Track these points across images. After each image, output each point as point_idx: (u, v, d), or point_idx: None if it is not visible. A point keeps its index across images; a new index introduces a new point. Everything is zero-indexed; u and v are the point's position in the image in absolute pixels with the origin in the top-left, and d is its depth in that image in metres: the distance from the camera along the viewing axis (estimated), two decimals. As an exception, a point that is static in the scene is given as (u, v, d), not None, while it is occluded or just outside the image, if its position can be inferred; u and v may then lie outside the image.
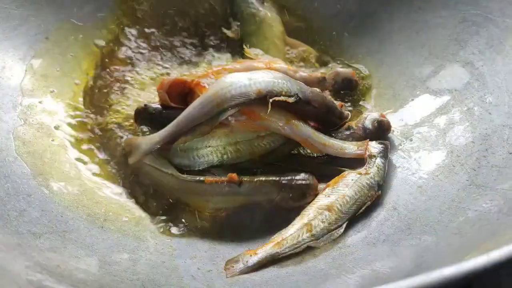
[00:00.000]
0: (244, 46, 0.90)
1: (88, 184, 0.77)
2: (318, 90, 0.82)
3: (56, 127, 0.82)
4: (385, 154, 0.78)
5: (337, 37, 0.98)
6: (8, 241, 0.64)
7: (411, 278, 0.48)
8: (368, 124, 0.82)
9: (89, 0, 0.93)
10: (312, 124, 0.81)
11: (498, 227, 0.63)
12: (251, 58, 0.90)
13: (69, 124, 0.83)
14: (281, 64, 0.88)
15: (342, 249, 0.69)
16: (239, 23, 0.97)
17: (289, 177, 0.76)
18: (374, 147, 0.79)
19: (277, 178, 0.75)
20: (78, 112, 0.85)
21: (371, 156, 0.78)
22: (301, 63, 0.95)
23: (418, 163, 0.78)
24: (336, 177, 0.76)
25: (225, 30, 0.97)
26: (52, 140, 0.80)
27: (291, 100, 0.76)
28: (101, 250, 0.68)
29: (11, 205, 0.68)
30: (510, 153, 0.73)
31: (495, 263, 0.50)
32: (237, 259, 0.70)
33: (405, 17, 0.95)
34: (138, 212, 0.76)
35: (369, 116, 0.83)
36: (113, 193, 0.77)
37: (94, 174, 0.79)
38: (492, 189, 0.70)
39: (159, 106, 0.82)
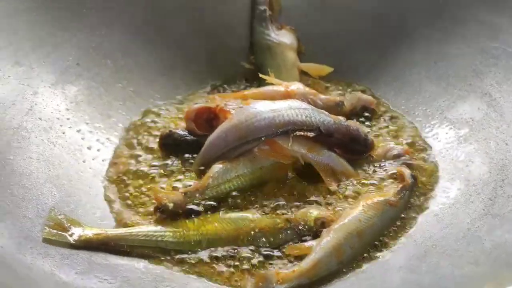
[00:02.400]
0: (261, 75, 0.92)
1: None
2: (341, 118, 0.83)
3: (88, 148, 0.85)
4: (413, 187, 0.78)
5: (356, 64, 1.00)
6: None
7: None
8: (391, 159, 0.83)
9: (116, 26, 0.96)
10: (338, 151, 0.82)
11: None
12: (269, 84, 0.91)
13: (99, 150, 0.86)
14: (300, 86, 0.90)
15: (359, 275, 0.70)
16: (254, 55, 1.01)
17: None
18: (408, 178, 0.78)
19: None
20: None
21: (405, 188, 0.77)
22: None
23: (435, 191, 0.79)
24: (366, 198, 0.75)
25: (242, 63, 1.00)
26: (83, 162, 0.83)
27: (311, 134, 0.79)
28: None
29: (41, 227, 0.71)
30: (527, 184, 0.74)
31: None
32: (265, 278, 0.68)
33: (424, 47, 0.97)
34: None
35: (393, 150, 0.84)
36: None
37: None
38: (508, 219, 0.70)
39: (184, 132, 0.85)
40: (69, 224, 0.71)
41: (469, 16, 0.95)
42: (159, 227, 0.73)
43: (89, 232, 0.71)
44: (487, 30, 0.93)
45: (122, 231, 0.73)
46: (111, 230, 0.73)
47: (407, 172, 0.79)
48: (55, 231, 0.70)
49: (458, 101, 0.90)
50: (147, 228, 0.73)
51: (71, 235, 0.70)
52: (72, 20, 0.92)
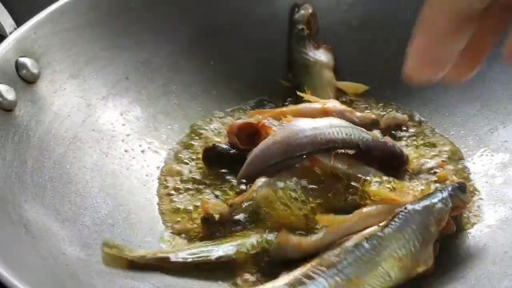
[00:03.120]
0: (298, 92, 0.95)
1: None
2: (378, 135, 0.87)
3: (136, 158, 0.89)
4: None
5: (391, 83, 1.02)
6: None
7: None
8: (425, 172, 0.86)
9: (164, 43, 1.00)
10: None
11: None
12: (307, 101, 0.94)
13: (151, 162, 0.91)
14: (336, 104, 0.93)
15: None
16: (292, 73, 1.04)
17: None
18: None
19: None
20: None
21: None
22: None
23: (473, 214, 0.81)
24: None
25: (281, 80, 1.03)
26: (132, 172, 0.87)
27: (351, 152, 0.82)
28: None
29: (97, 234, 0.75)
30: None
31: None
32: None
33: (460, 68, 0.99)
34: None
35: (427, 163, 0.87)
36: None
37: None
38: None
39: (227, 146, 0.88)
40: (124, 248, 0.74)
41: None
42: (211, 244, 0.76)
43: (145, 251, 0.74)
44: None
45: (180, 250, 0.75)
46: (169, 250, 0.76)
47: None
48: (113, 249, 0.73)
49: (494, 123, 0.92)
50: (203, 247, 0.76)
51: (129, 252, 0.73)
52: (123, 36, 0.96)
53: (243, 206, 0.78)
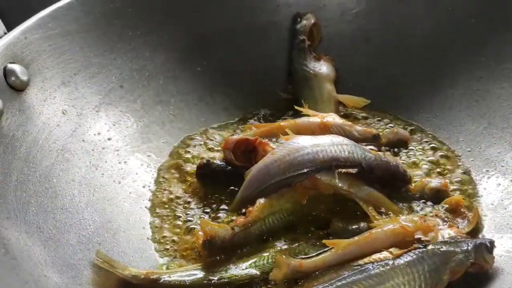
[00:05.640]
0: (296, 107, 0.92)
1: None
2: (381, 154, 0.84)
3: (128, 172, 0.86)
4: None
5: (395, 98, 0.99)
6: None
7: None
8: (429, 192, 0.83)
9: (160, 50, 0.97)
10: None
11: None
12: (305, 115, 0.91)
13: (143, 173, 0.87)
14: (336, 119, 0.90)
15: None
16: (292, 85, 1.01)
17: None
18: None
19: None
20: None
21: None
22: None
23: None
24: None
25: (280, 93, 1.00)
26: (123, 186, 0.84)
27: (353, 171, 0.78)
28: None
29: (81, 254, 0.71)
30: None
31: None
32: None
33: (466, 84, 0.96)
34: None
35: (431, 183, 0.84)
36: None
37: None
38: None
39: (222, 162, 0.85)
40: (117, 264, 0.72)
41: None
42: (207, 268, 0.73)
43: (138, 271, 0.71)
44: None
45: (173, 272, 0.72)
46: (162, 271, 0.73)
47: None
48: (105, 263, 0.71)
49: (499, 141, 0.89)
50: (197, 269, 0.73)
51: (122, 269, 0.71)
52: (117, 42, 0.93)
53: (247, 228, 0.76)
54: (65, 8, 0.87)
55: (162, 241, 0.79)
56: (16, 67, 0.80)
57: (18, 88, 0.80)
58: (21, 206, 0.71)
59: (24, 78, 0.80)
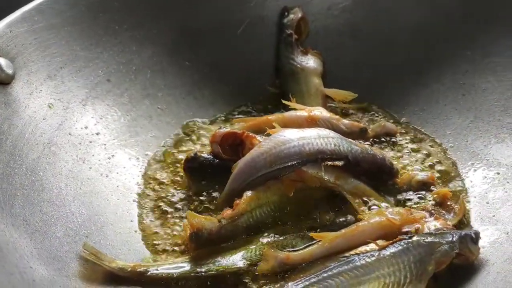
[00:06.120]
0: (283, 101, 0.92)
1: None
2: (367, 147, 0.84)
3: (116, 165, 0.86)
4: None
5: (382, 91, 1.00)
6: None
7: None
8: (415, 185, 0.84)
9: (147, 44, 0.97)
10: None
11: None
12: (293, 109, 0.91)
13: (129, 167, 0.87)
14: (323, 112, 0.90)
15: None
16: (279, 79, 1.01)
17: None
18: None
19: None
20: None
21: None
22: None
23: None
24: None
25: (268, 87, 1.00)
26: (111, 179, 0.84)
27: (340, 163, 0.79)
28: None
29: (68, 247, 0.71)
30: None
31: None
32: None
33: (452, 78, 0.97)
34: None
35: (417, 176, 0.84)
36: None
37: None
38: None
39: (209, 156, 0.85)
40: (104, 256, 0.72)
41: (500, 48, 0.94)
42: (195, 260, 0.73)
43: (125, 263, 0.71)
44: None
45: (160, 265, 0.72)
46: (149, 263, 0.73)
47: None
48: (92, 255, 0.70)
49: (485, 134, 0.89)
50: (184, 262, 0.73)
51: (109, 262, 0.71)
52: (103, 36, 0.92)
53: (234, 221, 0.76)
54: (51, 1, 0.87)
55: (149, 234, 0.79)
56: (2, 61, 0.80)
57: (3, 82, 0.79)
58: (7, 199, 0.70)
59: (9, 71, 0.80)
